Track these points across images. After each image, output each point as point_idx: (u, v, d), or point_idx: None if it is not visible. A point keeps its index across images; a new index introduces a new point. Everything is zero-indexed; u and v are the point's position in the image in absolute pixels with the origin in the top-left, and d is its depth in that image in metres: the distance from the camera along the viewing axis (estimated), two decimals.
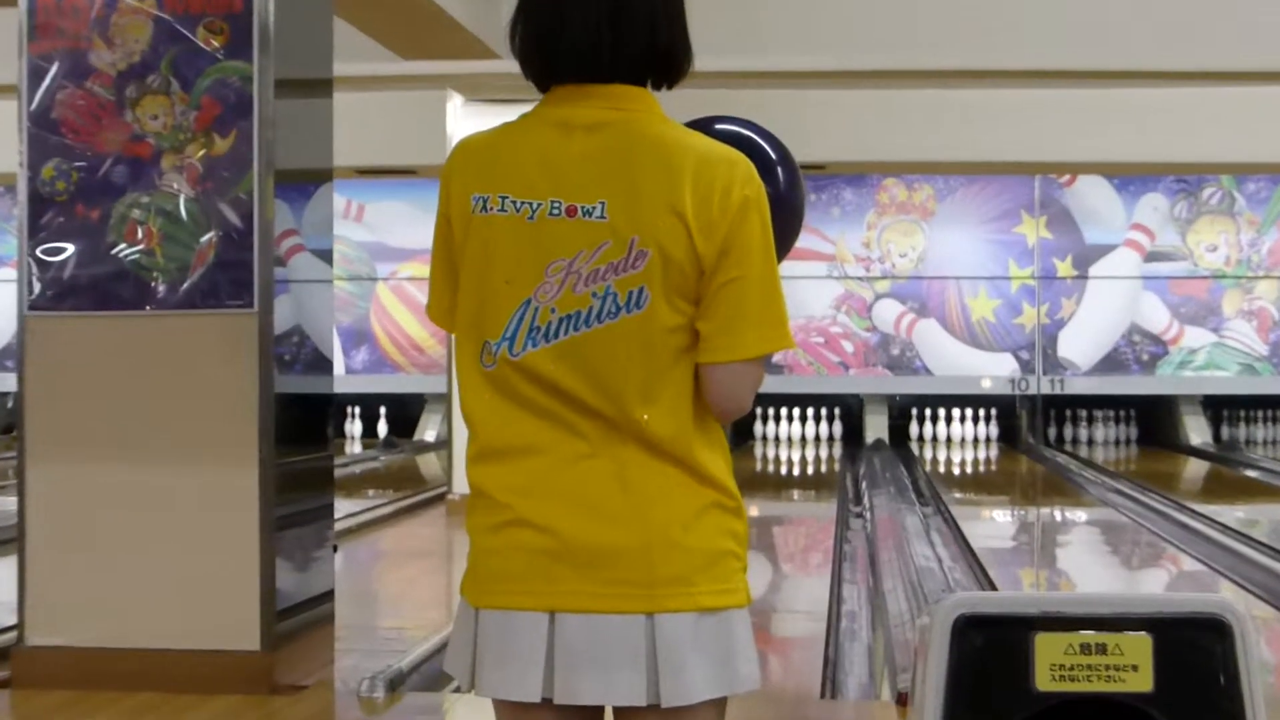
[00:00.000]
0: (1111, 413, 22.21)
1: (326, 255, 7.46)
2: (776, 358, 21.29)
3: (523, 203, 2.72)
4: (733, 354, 2.75)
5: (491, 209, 2.76)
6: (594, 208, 2.67)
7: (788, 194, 3.07)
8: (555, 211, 2.68)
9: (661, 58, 2.80)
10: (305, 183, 7.13)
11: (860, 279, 21.62)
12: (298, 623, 6.75)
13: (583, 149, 2.71)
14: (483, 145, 2.84)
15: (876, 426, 21.50)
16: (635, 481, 2.72)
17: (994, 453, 21.24)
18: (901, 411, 21.95)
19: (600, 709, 2.80)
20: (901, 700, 6.20)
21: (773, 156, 3.15)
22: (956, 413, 21.85)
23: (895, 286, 21.61)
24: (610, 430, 2.70)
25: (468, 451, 2.79)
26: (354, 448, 21.53)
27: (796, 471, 19.39)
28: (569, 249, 2.68)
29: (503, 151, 2.79)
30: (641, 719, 2.77)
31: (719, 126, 3.04)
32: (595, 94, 2.74)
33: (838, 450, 20.87)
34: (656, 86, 2.83)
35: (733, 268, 2.69)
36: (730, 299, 2.70)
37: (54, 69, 6.61)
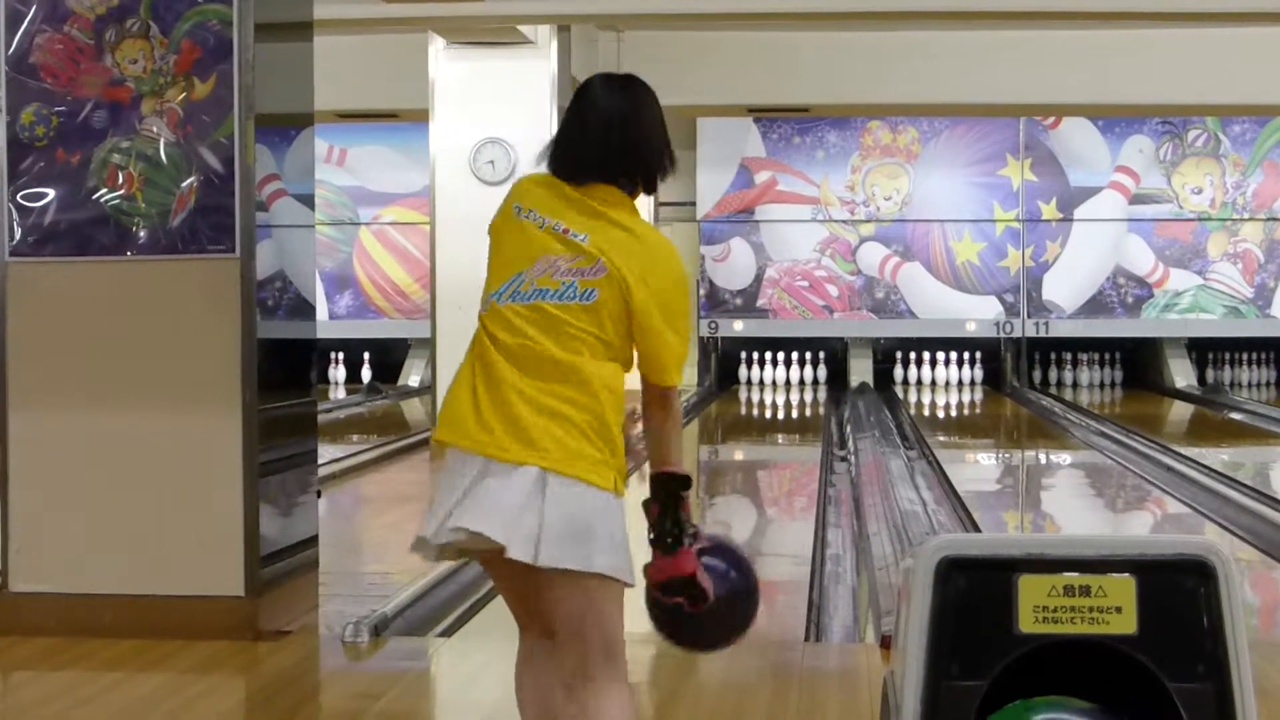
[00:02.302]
0: (1096, 355, 22.23)
1: (308, 200, 7.43)
2: (760, 301, 21.29)
3: (539, 216, 3.94)
4: (659, 381, 3.94)
5: (522, 215, 3.97)
6: (581, 236, 3.88)
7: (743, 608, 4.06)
8: (556, 229, 3.90)
9: (646, 178, 4.03)
10: (286, 127, 7.10)
11: (845, 222, 21.59)
12: (281, 568, 6.75)
13: (580, 216, 3.93)
14: (532, 183, 4.04)
15: (861, 370, 21.51)
16: (548, 411, 3.79)
17: (978, 396, 21.24)
18: (886, 355, 21.95)
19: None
20: (885, 643, 6.21)
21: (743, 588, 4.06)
22: (941, 356, 21.85)
23: (880, 230, 21.57)
24: (547, 377, 3.82)
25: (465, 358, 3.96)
26: (338, 393, 21.50)
27: (781, 415, 19.40)
28: (557, 251, 3.88)
29: (539, 188, 4.01)
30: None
31: (705, 559, 3.93)
32: (596, 190, 3.95)
33: (822, 394, 20.87)
34: (646, 192, 4.06)
35: (661, 321, 3.88)
36: (654, 345, 3.90)
37: (32, 12, 6.56)
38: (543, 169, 4.03)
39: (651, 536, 3.85)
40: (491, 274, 3.99)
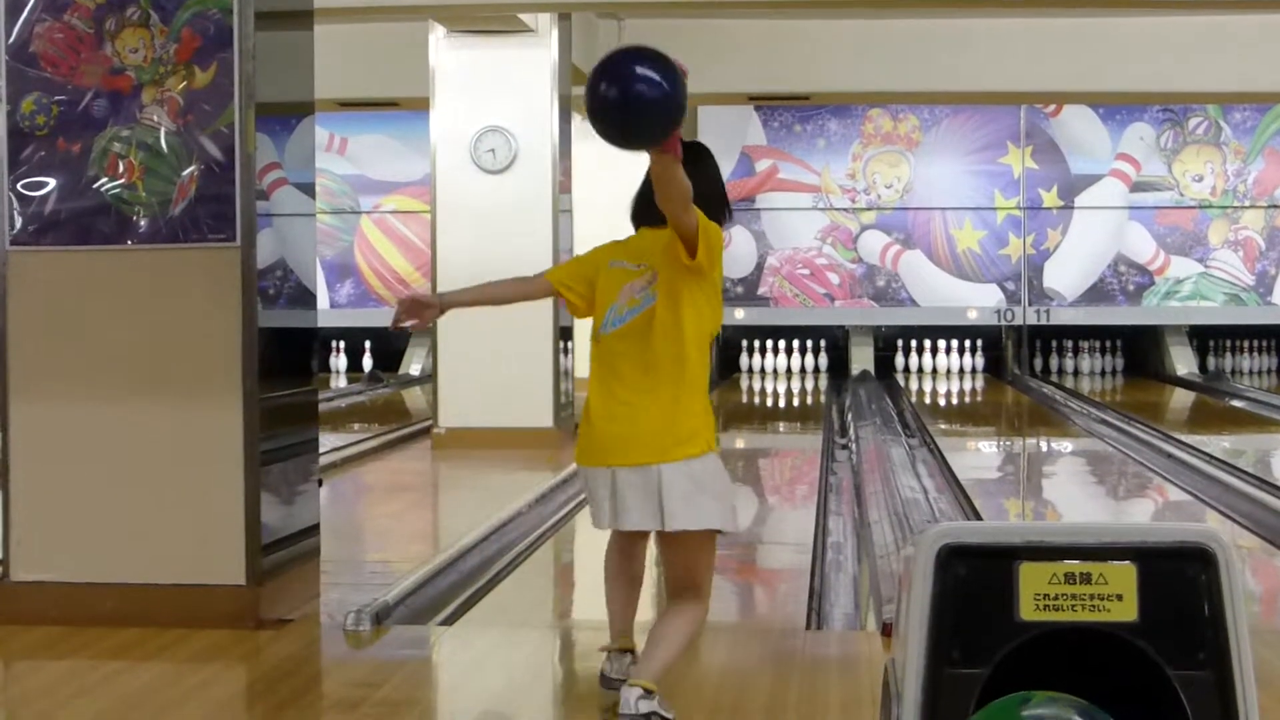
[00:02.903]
0: (1097, 343, 22.24)
1: (309, 189, 7.44)
2: (761, 290, 21.28)
3: (624, 262, 5.29)
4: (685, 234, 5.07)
5: (615, 265, 5.31)
6: (643, 264, 5.22)
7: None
8: (631, 266, 5.26)
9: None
10: (287, 115, 7.10)
11: (845, 210, 21.58)
12: (283, 557, 6.76)
13: (645, 242, 5.31)
14: (615, 243, 5.42)
15: (862, 358, 21.51)
16: (661, 413, 5.15)
17: (980, 384, 21.25)
18: (887, 343, 21.96)
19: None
20: (887, 631, 6.21)
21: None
22: (942, 344, 21.86)
23: (881, 218, 21.57)
24: (653, 375, 5.15)
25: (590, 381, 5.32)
26: (339, 382, 21.52)
27: (782, 404, 19.40)
28: (631, 278, 5.24)
29: (623, 241, 5.40)
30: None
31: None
32: (654, 228, 5.25)
33: (823, 382, 20.87)
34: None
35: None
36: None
37: (32, 1, 6.56)
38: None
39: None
40: (596, 316, 5.31)
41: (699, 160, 5.20)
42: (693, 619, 5.30)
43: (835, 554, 8.73)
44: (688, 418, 5.15)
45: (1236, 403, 18.71)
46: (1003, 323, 21.55)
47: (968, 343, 21.87)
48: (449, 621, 7.00)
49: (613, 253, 5.35)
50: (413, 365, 21.82)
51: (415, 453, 13.68)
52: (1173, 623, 3.06)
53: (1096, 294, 21.49)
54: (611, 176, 19.22)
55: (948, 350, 21.87)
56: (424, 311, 5.34)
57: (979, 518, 9.56)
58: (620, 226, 5.44)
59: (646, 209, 5.21)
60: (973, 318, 21.49)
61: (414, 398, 19.32)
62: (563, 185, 13.78)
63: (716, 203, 5.28)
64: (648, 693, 5.07)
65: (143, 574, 6.53)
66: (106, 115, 6.54)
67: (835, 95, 19.15)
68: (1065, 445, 15.12)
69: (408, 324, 5.37)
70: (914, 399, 18.77)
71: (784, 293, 21.44)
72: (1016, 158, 21.45)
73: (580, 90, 15.19)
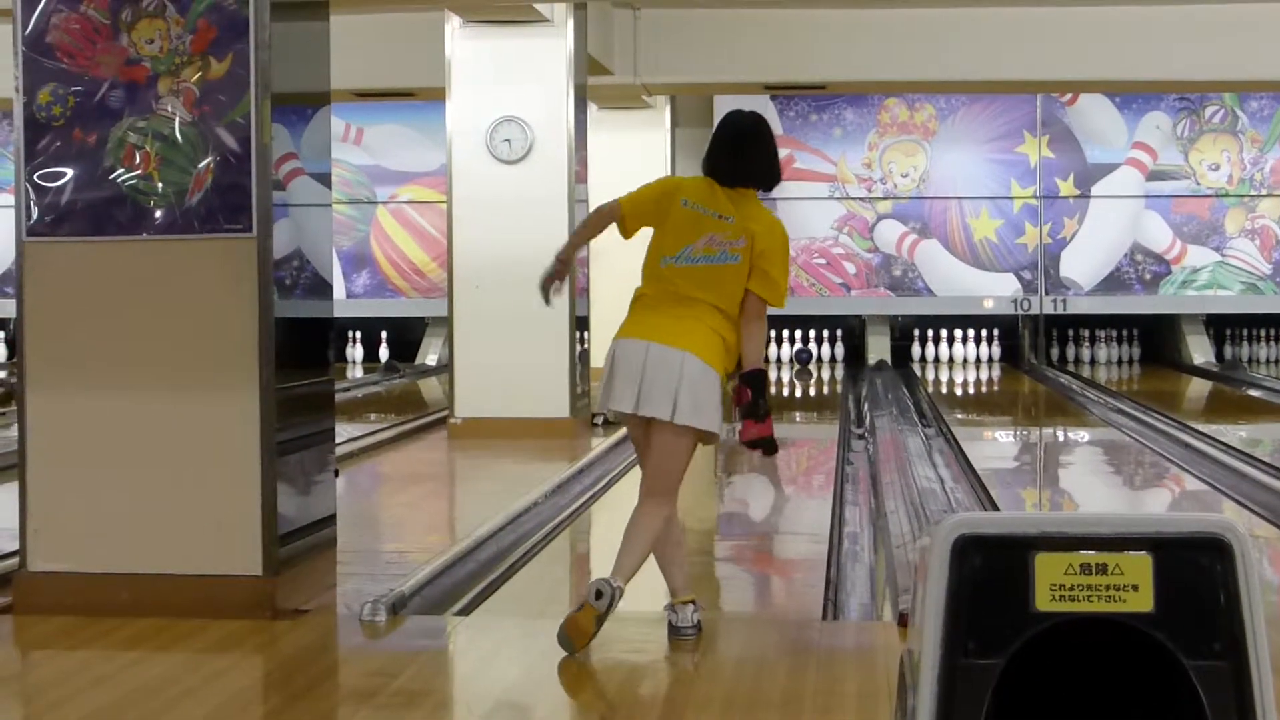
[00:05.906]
0: (1114, 332, 22.23)
1: (325, 179, 7.44)
2: None
3: (701, 207, 6.04)
4: (766, 296, 6.03)
5: (690, 206, 6.04)
6: (729, 217, 6.01)
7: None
8: (715, 215, 6.02)
9: (767, 183, 6.21)
10: (303, 106, 7.10)
11: (862, 199, 21.58)
12: (299, 547, 6.77)
13: (728, 203, 6.07)
14: (694, 183, 6.15)
15: (879, 347, 21.51)
16: (699, 328, 5.97)
17: (996, 373, 21.24)
18: (904, 332, 21.96)
19: None
20: (903, 621, 6.21)
21: None
22: (959, 333, 21.87)
23: (897, 207, 21.57)
24: (699, 309, 5.96)
25: (637, 290, 6.11)
26: (355, 372, 21.54)
27: (799, 393, 19.40)
28: (714, 230, 6.01)
29: (702, 187, 6.11)
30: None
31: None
32: (736, 191, 6.10)
33: (840, 372, 20.87)
34: (765, 189, 6.24)
35: (770, 262, 6.02)
36: (769, 271, 6.01)
37: None
38: (698, 173, 6.21)
39: (743, 410, 6.00)
40: (665, 243, 6.04)
41: (760, 136, 6.20)
42: (664, 516, 6.08)
43: (851, 544, 8.73)
44: (717, 343, 5.96)
45: (1253, 392, 18.68)
46: (1019, 312, 21.55)
47: (984, 332, 21.87)
48: (465, 612, 7.00)
49: (685, 192, 6.11)
50: (429, 355, 21.84)
51: (431, 443, 13.69)
52: (1189, 613, 3.06)
53: (1113, 283, 21.47)
54: (626, 166, 19.25)
55: (964, 340, 21.88)
56: (562, 272, 6.23)
57: (995, 507, 9.55)
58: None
59: (727, 172, 6.08)
60: (989, 307, 21.49)
61: (430, 388, 19.33)
62: (579, 175, 13.78)
63: (776, 172, 6.25)
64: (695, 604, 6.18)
65: (159, 564, 6.55)
66: (122, 106, 6.55)
67: (851, 85, 19.12)
68: (1082, 435, 15.11)
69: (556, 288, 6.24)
70: (930, 388, 18.76)
71: (800, 282, 21.43)
72: (1033, 147, 21.44)
73: (596, 80, 15.20)
